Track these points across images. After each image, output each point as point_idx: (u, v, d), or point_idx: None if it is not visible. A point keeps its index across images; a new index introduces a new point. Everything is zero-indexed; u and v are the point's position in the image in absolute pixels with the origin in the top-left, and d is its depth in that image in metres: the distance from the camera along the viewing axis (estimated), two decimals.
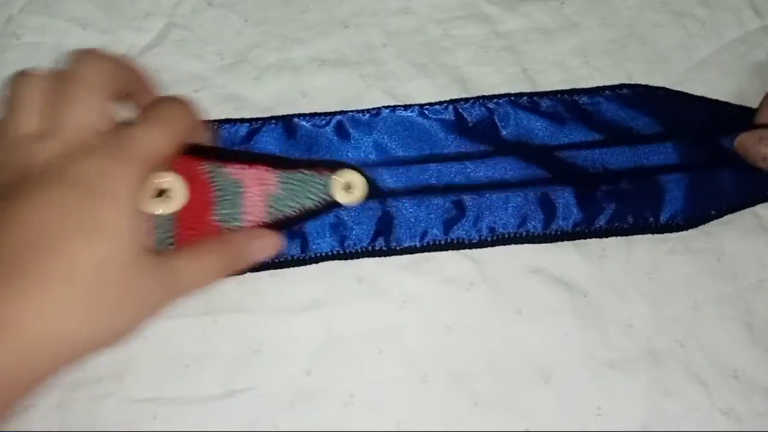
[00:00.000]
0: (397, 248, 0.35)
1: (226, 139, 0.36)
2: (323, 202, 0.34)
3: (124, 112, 0.33)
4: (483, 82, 0.38)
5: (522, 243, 0.35)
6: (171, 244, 0.32)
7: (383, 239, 0.35)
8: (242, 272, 0.33)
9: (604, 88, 0.37)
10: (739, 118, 0.37)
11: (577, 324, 0.34)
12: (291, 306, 0.34)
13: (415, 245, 0.35)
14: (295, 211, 0.34)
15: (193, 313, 0.34)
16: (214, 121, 0.36)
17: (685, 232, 0.36)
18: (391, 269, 0.35)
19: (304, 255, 0.35)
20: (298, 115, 0.37)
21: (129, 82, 0.32)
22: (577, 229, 0.35)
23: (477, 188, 0.36)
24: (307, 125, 0.36)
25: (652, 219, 0.36)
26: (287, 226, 0.34)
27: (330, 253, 0.35)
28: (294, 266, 0.35)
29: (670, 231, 0.35)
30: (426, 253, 0.35)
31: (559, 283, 0.35)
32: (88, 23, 0.38)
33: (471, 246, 0.35)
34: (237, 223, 0.33)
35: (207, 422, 0.33)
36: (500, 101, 0.37)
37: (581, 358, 0.34)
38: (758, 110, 0.36)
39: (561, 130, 0.37)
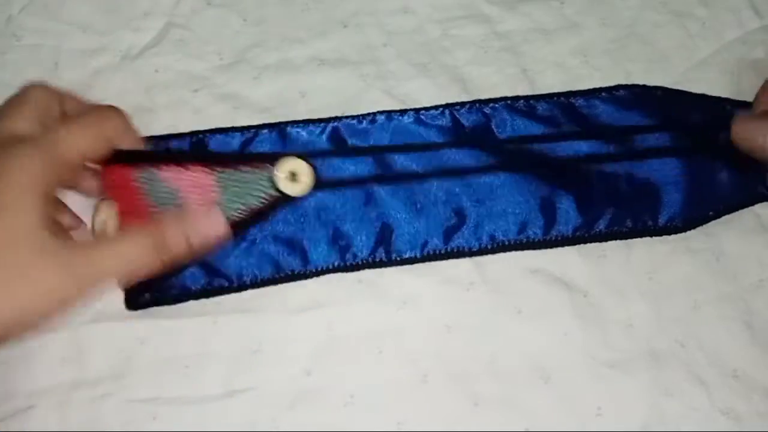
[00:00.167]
0: (398, 259, 0.35)
1: (220, 149, 0.35)
2: (269, 198, 0.33)
3: None
4: (483, 82, 0.38)
5: (523, 249, 0.35)
6: None
7: (383, 250, 0.35)
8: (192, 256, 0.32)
9: (601, 89, 0.37)
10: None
11: (577, 324, 0.34)
12: (291, 306, 0.34)
13: (416, 255, 0.35)
14: (241, 213, 0.33)
15: (193, 314, 0.34)
16: (205, 131, 0.35)
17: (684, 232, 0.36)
18: (391, 270, 0.35)
19: (304, 269, 0.34)
20: (292, 123, 0.36)
21: (66, 105, 0.32)
22: (578, 233, 0.35)
23: (477, 195, 0.35)
24: (303, 133, 0.36)
25: (650, 222, 0.35)
26: (237, 230, 0.33)
27: (331, 267, 0.35)
28: (294, 281, 0.34)
29: (669, 233, 0.35)
30: None
31: (559, 283, 0.35)
32: (88, 24, 0.38)
33: (472, 254, 0.35)
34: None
35: (207, 422, 0.32)
36: (497, 105, 0.37)
37: (581, 358, 0.34)
38: (755, 100, 0.36)
39: (558, 135, 0.36)
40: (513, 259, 0.35)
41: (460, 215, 0.35)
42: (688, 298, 0.35)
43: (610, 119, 0.37)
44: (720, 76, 0.38)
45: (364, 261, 0.35)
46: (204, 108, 0.37)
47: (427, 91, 0.38)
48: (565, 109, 0.37)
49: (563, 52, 0.39)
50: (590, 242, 0.35)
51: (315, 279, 0.35)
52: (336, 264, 0.35)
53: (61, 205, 0.33)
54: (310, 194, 0.34)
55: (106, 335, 0.33)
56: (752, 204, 0.36)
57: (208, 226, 0.32)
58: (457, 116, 0.36)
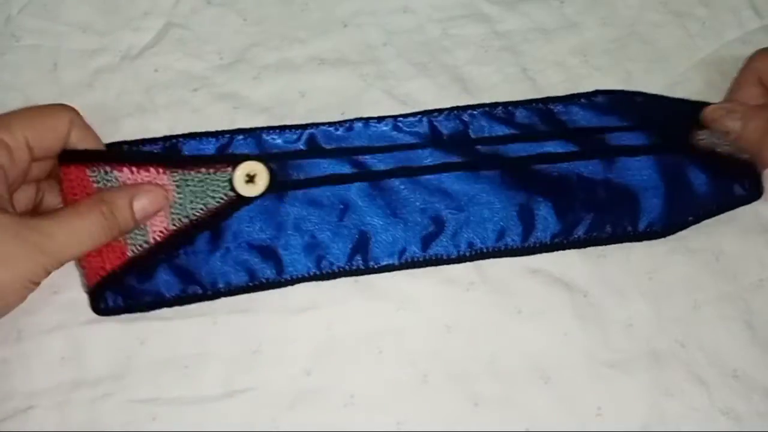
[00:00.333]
0: (375, 267, 0.35)
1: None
2: (226, 199, 0.33)
3: None
4: (483, 81, 0.38)
5: (501, 257, 0.35)
6: (82, 266, 0.33)
7: (360, 258, 0.35)
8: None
9: (579, 95, 0.37)
10: None
11: (578, 324, 0.34)
12: (291, 306, 0.34)
13: (394, 263, 0.35)
14: (198, 213, 0.33)
15: (192, 314, 0.34)
16: (178, 135, 0.35)
17: (684, 231, 0.36)
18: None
19: (279, 278, 0.34)
20: (268, 129, 0.36)
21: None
22: (556, 240, 0.35)
23: (454, 203, 0.35)
24: (278, 141, 0.36)
25: (630, 227, 0.35)
26: (196, 230, 0.33)
27: (306, 275, 0.34)
28: (269, 289, 0.34)
29: (649, 238, 0.35)
30: None
31: (559, 283, 0.35)
32: (87, 24, 0.38)
33: (450, 262, 0.35)
34: (146, 239, 0.32)
35: (207, 422, 0.32)
36: (475, 112, 0.37)
37: (581, 358, 0.34)
38: (729, 89, 0.37)
39: (536, 141, 0.36)
40: (513, 259, 0.35)
41: (438, 222, 0.35)
42: (688, 298, 0.35)
43: (589, 125, 0.37)
44: (720, 76, 0.38)
45: (341, 269, 0.34)
46: (203, 107, 0.37)
47: (427, 91, 0.38)
48: (544, 116, 0.37)
49: (563, 51, 0.39)
50: (569, 248, 0.35)
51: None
52: (312, 272, 0.34)
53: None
54: (282, 199, 0.34)
55: (106, 335, 0.33)
56: (733, 208, 0.36)
57: (155, 202, 0.32)
58: (435, 123, 0.36)
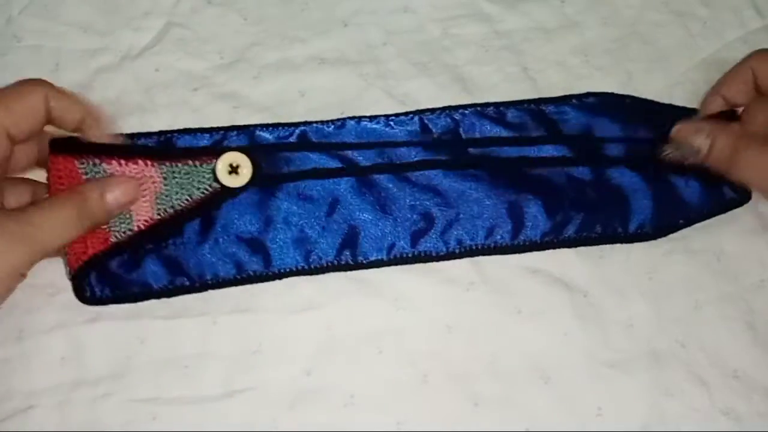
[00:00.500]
0: (364, 262, 0.35)
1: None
2: (211, 190, 0.33)
3: None
4: (483, 81, 0.38)
5: (490, 254, 0.35)
6: (66, 254, 0.33)
7: (349, 252, 0.35)
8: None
9: (571, 96, 0.37)
10: None
11: (578, 324, 0.34)
12: (291, 306, 0.34)
13: (382, 259, 0.35)
14: (183, 204, 0.33)
15: (192, 314, 0.34)
16: (173, 131, 0.35)
17: (684, 231, 0.36)
18: (391, 269, 0.35)
19: (266, 271, 0.34)
20: (261, 126, 0.36)
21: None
22: (546, 239, 0.35)
23: (444, 199, 0.35)
24: (270, 137, 0.36)
25: (620, 228, 0.35)
26: (180, 220, 0.33)
27: (294, 269, 0.34)
28: (257, 282, 0.34)
29: (639, 240, 0.35)
30: None
31: (559, 283, 0.35)
32: (88, 25, 0.38)
33: (439, 258, 0.35)
34: (129, 227, 0.33)
35: (207, 422, 0.32)
36: (466, 112, 0.36)
37: (581, 358, 0.34)
38: (702, 103, 0.36)
39: (527, 145, 0.36)
40: (513, 259, 0.35)
41: (428, 219, 0.35)
42: (688, 298, 0.35)
43: (579, 126, 0.37)
44: (721, 76, 0.38)
45: (330, 263, 0.34)
46: (204, 107, 0.37)
47: (427, 91, 0.38)
48: (535, 116, 0.37)
49: (564, 51, 0.39)
50: (559, 247, 0.35)
51: (314, 278, 0.35)
52: (300, 266, 0.34)
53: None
54: (271, 193, 0.34)
55: (106, 335, 0.33)
56: (724, 211, 0.36)
57: (128, 194, 0.32)
58: (426, 122, 0.36)
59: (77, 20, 0.38)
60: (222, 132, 0.36)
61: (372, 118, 0.36)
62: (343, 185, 0.35)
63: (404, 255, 0.35)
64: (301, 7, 0.40)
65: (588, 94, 0.37)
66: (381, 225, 0.35)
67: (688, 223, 0.35)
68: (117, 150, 0.33)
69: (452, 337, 0.34)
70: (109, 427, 0.32)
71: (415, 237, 0.35)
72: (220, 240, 0.34)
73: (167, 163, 0.33)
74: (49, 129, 0.32)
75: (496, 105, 0.37)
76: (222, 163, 0.34)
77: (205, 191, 0.34)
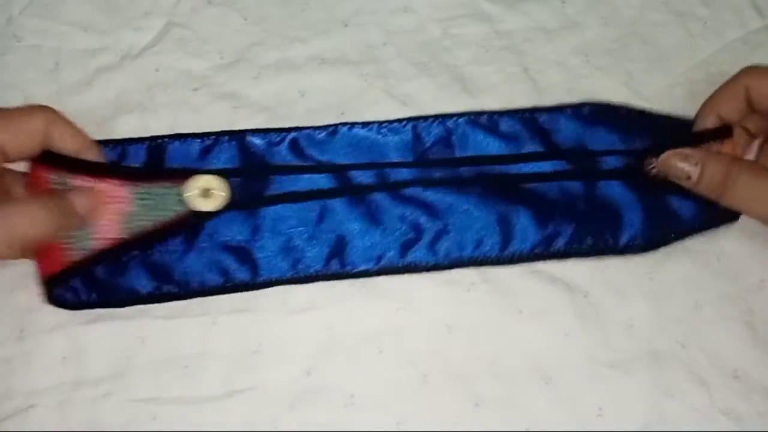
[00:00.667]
0: (352, 272, 0.34)
1: (176, 159, 0.35)
2: (181, 214, 0.33)
3: None
4: (483, 81, 0.38)
5: (479, 266, 0.35)
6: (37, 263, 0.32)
7: (338, 262, 0.34)
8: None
9: (566, 106, 0.37)
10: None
11: (578, 324, 0.34)
12: (291, 306, 0.34)
13: (371, 269, 0.34)
14: (149, 226, 0.33)
15: (192, 314, 0.34)
16: (164, 136, 0.35)
17: None
18: None
19: (254, 280, 0.34)
20: (252, 131, 0.36)
21: None
22: (536, 251, 0.35)
23: (433, 210, 0.35)
24: (261, 143, 0.36)
25: (611, 240, 0.35)
26: (147, 242, 0.33)
27: (282, 278, 0.34)
28: (244, 291, 0.34)
29: (631, 253, 0.35)
30: None
31: (560, 283, 0.35)
32: (88, 24, 0.38)
33: (428, 269, 0.35)
34: (87, 244, 0.32)
35: (207, 422, 0.33)
36: (459, 120, 0.36)
37: (582, 358, 0.34)
38: (696, 118, 0.36)
39: (519, 151, 0.36)
40: None
41: (417, 229, 0.35)
42: (688, 299, 0.35)
43: (573, 137, 0.36)
44: (721, 76, 0.38)
45: (318, 273, 0.34)
46: (204, 107, 0.37)
47: (427, 91, 0.38)
48: (529, 126, 0.36)
49: (564, 51, 0.39)
50: (549, 260, 0.35)
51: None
52: (288, 275, 0.34)
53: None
54: (260, 211, 0.34)
55: (107, 335, 0.33)
56: (717, 225, 0.35)
57: (85, 194, 0.33)
58: (419, 131, 0.36)
59: (77, 20, 0.38)
60: (213, 138, 0.35)
61: (365, 124, 0.36)
62: (333, 194, 0.35)
63: (392, 265, 0.35)
64: (302, 7, 0.40)
65: (583, 104, 0.37)
66: (370, 235, 0.35)
67: (680, 236, 0.35)
68: (90, 167, 0.33)
69: (453, 337, 0.34)
70: (109, 426, 0.32)
71: (404, 248, 0.35)
72: (207, 247, 0.34)
73: (140, 184, 0.33)
74: None
75: (490, 113, 0.37)
76: (194, 187, 0.33)
77: (173, 215, 0.33)
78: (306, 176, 0.35)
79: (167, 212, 0.33)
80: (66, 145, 0.33)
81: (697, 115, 0.36)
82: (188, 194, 0.33)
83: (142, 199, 0.33)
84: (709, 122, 0.35)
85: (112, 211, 0.33)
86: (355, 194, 0.35)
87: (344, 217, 0.35)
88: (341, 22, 0.39)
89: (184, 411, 0.33)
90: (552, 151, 0.36)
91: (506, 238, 0.35)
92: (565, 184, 0.36)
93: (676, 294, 0.35)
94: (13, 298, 0.33)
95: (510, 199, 0.35)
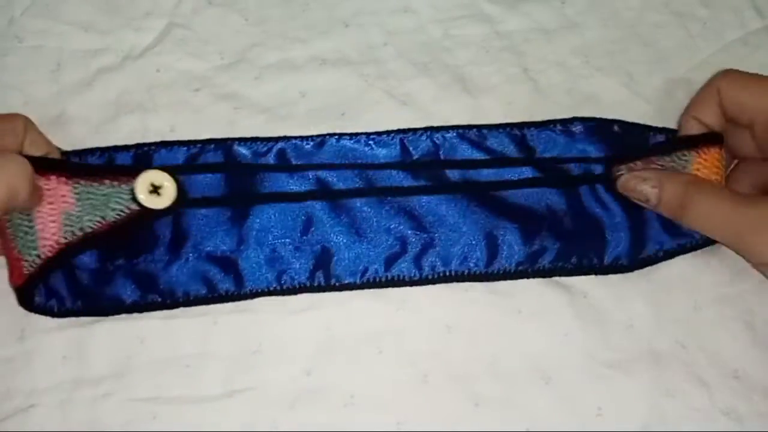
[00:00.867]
0: (337, 284, 0.34)
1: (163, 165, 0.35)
2: (128, 212, 0.32)
3: None
4: (484, 82, 0.38)
5: (464, 281, 0.35)
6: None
7: (322, 274, 0.34)
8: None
9: (556, 121, 0.36)
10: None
11: (578, 324, 0.34)
12: (291, 306, 0.34)
13: (356, 281, 0.34)
14: (94, 226, 0.32)
15: (193, 313, 0.34)
16: (150, 144, 0.35)
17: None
18: None
19: (238, 291, 0.34)
20: (239, 140, 0.35)
21: None
22: (520, 268, 0.35)
23: (419, 224, 0.35)
24: (247, 153, 0.35)
25: (596, 259, 0.35)
26: (90, 243, 0.32)
27: (267, 290, 0.34)
28: (228, 302, 0.34)
29: (615, 272, 0.35)
30: None
31: (559, 283, 0.35)
32: (89, 25, 0.38)
33: (413, 283, 0.34)
34: (35, 252, 0.31)
35: (207, 422, 0.33)
36: (447, 134, 0.36)
37: (582, 358, 0.34)
38: (679, 125, 0.36)
39: (506, 168, 0.36)
40: None
41: (403, 243, 0.35)
42: (688, 299, 0.35)
43: (561, 154, 0.36)
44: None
45: (302, 285, 0.34)
46: (205, 108, 0.37)
47: (427, 91, 0.38)
48: (517, 142, 0.36)
49: (564, 52, 0.39)
50: (533, 277, 0.35)
51: None
52: (272, 287, 0.34)
53: None
54: (244, 211, 0.34)
55: (107, 335, 0.33)
56: (702, 247, 0.35)
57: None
58: (407, 144, 0.36)
59: (79, 20, 0.38)
60: (199, 146, 0.35)
61: (352, 136, 0.36)
62: (318, 206, 0.35)
63: (377, 279, 0.34)
64: (302, 7, 0.40)
65: (574, 119, 0.36)
66: (355, 248, 0.35)
67: (667, 256, 0.35)
68: (34, 163, 0.31)
69: (452, 338, 0.34)
70: (109, 426, 0.32)
71: (389, 261, 0.35)
72: (192, 258, 0.34)
73: (82, 182, 0.32)
74: None
75: (479, 128, 0.36)
76: (142, 184, 0.32)
77: (120, 213, 0.32)
78: (289, 182, 0.35)
79: (111, 211, 0.32)
80: (35, 151, 0.32)
81: (679, 123, 0.36)
82: (136, 192, 0.32)
83: (83, 199, 0.32)
84: (691, 128, 0.34)
85: (53, 211, 0.31)
86: (333, 199, 0.35)
87: (330, 228, 0.35)
88: (342, 22, 0.39)
89: (184, 411, 0.33)
90: (531, 161, 0.36)
91: (492, 254, 0.35)
92: (553, 201, 0.35)
93: (675, 294, 0.35)
94: (13, 298, 0.33)
95: (497, 215, 0.35)
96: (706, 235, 0.33)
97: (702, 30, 0.40)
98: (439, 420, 0.33)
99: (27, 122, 0.32)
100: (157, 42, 0.38)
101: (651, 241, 0.35)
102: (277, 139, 0.36)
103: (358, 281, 0.34)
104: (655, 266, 0.35)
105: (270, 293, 0.34)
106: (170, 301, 0.34)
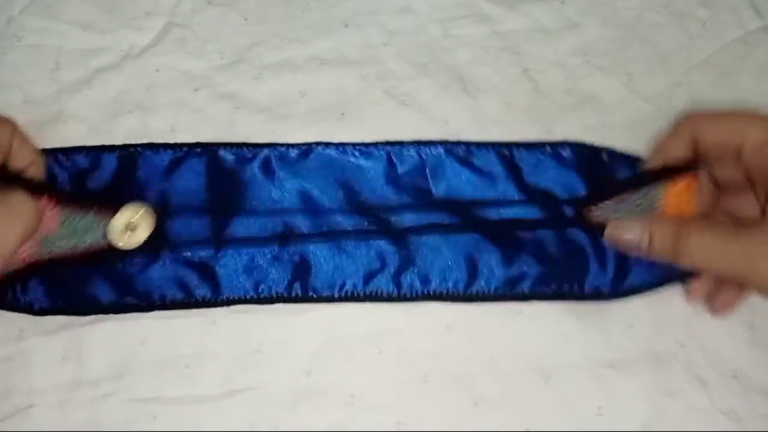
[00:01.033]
0: (314, 297, 0.34)
1: (147, 170, 0.35)
2: (100, 245, 0.33)
3: None
4: (483, 82, 0.38)
5: (442, 301, 0.34)
6: None
7: (300, 286, 0.34)
8: None
9: (545, 143, 0.36)
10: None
11: (578, 324, 0.34)
12: (291, 306, 0.34)
13: (333, 295, 0.34)
14: (65, 250, 0.32)
15: (192, 314, 0.34)
16: (136, 145, 0.35)
17: None
18: None
19: (214, 298, 0.34)
20: (224, 146, 0.35)
21: None
22: (499, 291, 0.34)
23: (400, 242, 0.35)
24: (232, 159, 0.35)
25: (576, 287, 0.34)
26: (53, 263, 0.32)
27: (243, 297, 0.34)
28: (205, 307, 0.34)
29: (595, 299, 0.34)
30: None
31: None
32: (89, 24, 0.38)
33: (390, 300, 0.34)
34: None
35: (207, 422, 0.33)
36: (434, 150, 0.36)
37: (581, 358, 0.34)
38: (655, 149, 0.35)
39: (491, 189, 0.35)
40: None
41: (382, 259, 0.35)
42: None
43: (547, 179, 0.36)
44: (720, 76, 0.38)
45: (279, 295, 0.34)
46: (204, 107, 0.37)
47: (427, 91, 0.38)
48: (503, 162, 0.36)
49: (564, 52, 0.39)
50: (511, 300, 0.34)
51: None
52: (249, 296, 0.34)
53: None
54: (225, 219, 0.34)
55: (107, 335, 0.33)
56: (683, 279, 0.34)
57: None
58: (393, 157, 0.36)
59: (78, 19, 0.38)
60: (185, 149, 0.35)
61: (339, 145, 0.36)
62: (299, 217, 0.35)
63: (355, 294, 0.34)
64: (302, 7, 0.40)
65: (564, 144, 0.36)
66: (334, 261, 0.34)
67: (650, 287, 0.34)
68: (27, 183, 0.32)
69: (452, 337, 0.34)
70: (109, 426, 0.32)
71: (367, 277, 0.34)
72: (169, 262, 0.34)
73: (70, 209, 0.32)
74: None
75: (467, 144, 0.36)
76: (118, 222, 0.33)
77: (91, 245, 0.33)
78: (273, 196, 0.35)
79: (83, 241, 0.32)
80: (22, 154, 0.32)
81: (648, 161, 0.35)
82: (112, 228, 0.33)
83: (68, 225, 0.32)
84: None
85: (43, 231, 0.32)
86: (315, 214, 0.35)
87: (309, 241, 0.34)
88: (341, 22, 0.39)
89: (184, 411, 0.33)
90: (536, 201, 0.35)
91: (472, 276, 0.35)
92: (535, 225, 0.35)
93: (675, 294, 0.35)
94: None
95: (479, 237, 0.35)
96: (705, 273, 0.33)
97: (701, 30, 0.40)
98: (439, 420, 0.33)
99: (14, 128, 0.32)
100: (156, 41, 0.38)
101: (634, 271, 0.34)
102: (262, 146, 0.36)
103: (335, 295, 0.34)
104: None
105: (246, 302, 0.34)
106: (146, 303, 0.34)
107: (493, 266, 0.35)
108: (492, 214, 0.35)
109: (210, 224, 0.34)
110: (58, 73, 0.37)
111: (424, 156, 0.36)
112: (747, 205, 0.33)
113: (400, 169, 0.36)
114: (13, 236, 0.30)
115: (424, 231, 0.35)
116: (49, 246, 0.32)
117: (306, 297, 0.34)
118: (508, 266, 0.35)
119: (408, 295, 0.34)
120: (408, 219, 0.35)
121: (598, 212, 0.34)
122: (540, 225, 0.35)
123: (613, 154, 0.36)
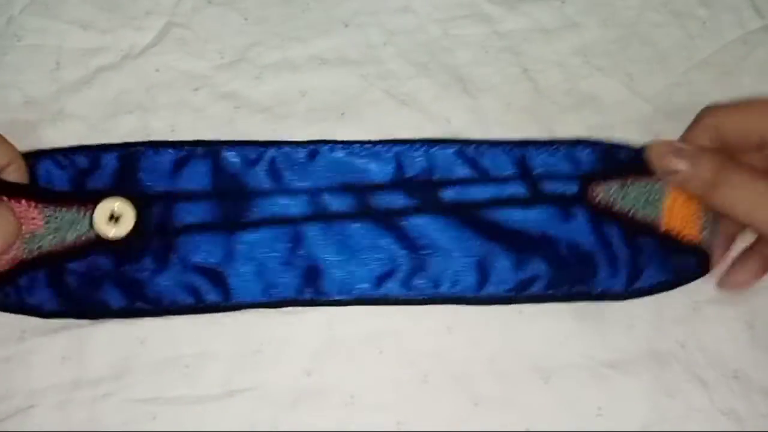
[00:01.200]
0: (325, 300, 0.34)
1: (149, 170, 0.35)
2: (87, 238, 0.33)
3: None
4: (483, 82, 0.38)
5: (454, 304, 0.34)
6: None
7: (311, 291, 0.34)
8: None
9: (559, 142, 0.36)
10: None
11: (578, 324, 0.34)
12: (291, 306, 0.34)
13: (344, 298, 0.34)
14: (52, 247, 0.32)
15: (193, 313, 0.34)
16: (137, 143, 0.35)
17: None
18: None
19: (225, 302, 0.34)
20: (229, 144, 0.35)
21: None
22: (510, 294, 0.34)
23: (411, 245, 0.35)
24: (236, 160, 0.35)
25: (588, 289, 0.34)
26: (42, 261, 0.32)
27: (254, 302, 0.34)
28: (215, 312, 0.34)
29: (606, 300, 0.34)
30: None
31: None
32: (89, 24, 0.38)
33: (399, 303, 0.34)
34: None
35: (207, 422, 0.33)
36: (444, 151, 0.36)
37: (581, 358, 0.34)
38: (688, 129, 0.34)
39: (501, 191, 0.35)
40: None
41: (393, 263, 0.34)
42: (688, 299, 0.35)
43: (560, 179, 0.35)
44: (720, 76, 0.38)
45: (290, 300, 0.34)
46: (205, 107, 0.37)
47: (427, 91, 0.38)
48: (515, 163, 0.36)
49: (564, 51, 0.39)
50: (523, 303, 0.34)
51: None
52: (259, 300, 0.34)
53: None
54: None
55: (107, 335, 0.33)
56: (693, 280, 0.34)
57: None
58: (401, 159, 0.35)
59: (78, 19, 0.38)
60: (188, 148, 0.35)
61: (346, 145, 0.36)
62: (310, 224, 0.35)
63: (366, 297, 0.34)
64: (302, 7, 0.40)
65: (577, 141, 0.36)
66: (345, 266, 0.34)
67: (661, 289, 0.34)
68: (4, 189, 0.32)
69: (452, 338, 0.34)
70: (109, 426, 0.32)
71: (379, 281, 0.34)
72: (179, 267, 0.34)
73: (47, 205, 0.32)
74: None
75: (478, 144, 0.36)
76: (101, 212, 0.33)
77: (78, 239, 0.33)
78: (281, 201, 0.35)
79: (71, 235, 0.32)
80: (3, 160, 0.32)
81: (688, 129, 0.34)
82: (97, 218, 0.33)
83: (51, 222, 0.32)
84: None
85: (24, 231, 0.32)
86: (326, 220, 0.34)
87: (320, 245, 0.34)
88: (341, 22, 0.39)
89: (184, 411, 0.33)
90: (547, 203, 0.35)
91: (483, 279, 0.34)
92: (547, 229, 0.35)
93: (675, 294, 0.35)
94: None
95: (490, 240, 0.35)
96: (732, 216, 0.31)
97: (701, 30, 0.40)
98: (439, 420, 0.33)
99: None
100: (156, 41, 0.38)
101: (646, 272, 0.34)
102: (267, 144, 0.35)
103: (345, 298, 0.34)
104: None
105: (257, 306, 0.34)
106: (156, 308, 0.33)
107: (503, 270, 0.34)
108: (501, 214, 0.35)
109: (219, 230, 0.34)
110: (58, 73, 0.37)
111: (432, 157, 0.36)
112: None
113: (409, 172, 0.35)
114: None
115: (433, 232, 0.35)
116: (36, 243, 0.32)
117: (317, 301, 0.34)
118: (520, 270, 0.35)
119: (419, 299, 0.34)
120: (418, 222, 0.35)
121: (602, 194, 0.34)
122: (541, 201, 0.35)
123: (630, 151, 0.35)
